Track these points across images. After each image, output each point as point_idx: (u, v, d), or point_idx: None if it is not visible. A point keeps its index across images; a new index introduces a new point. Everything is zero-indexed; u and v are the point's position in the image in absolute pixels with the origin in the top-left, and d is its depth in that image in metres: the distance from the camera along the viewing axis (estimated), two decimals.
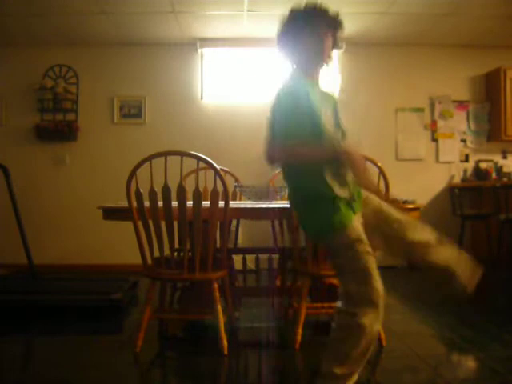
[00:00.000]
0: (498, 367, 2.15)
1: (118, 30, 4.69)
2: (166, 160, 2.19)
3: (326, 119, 1.68)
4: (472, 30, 4.69)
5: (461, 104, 5.23)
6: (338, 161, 1.63)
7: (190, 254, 2.35)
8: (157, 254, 2.34)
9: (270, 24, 4.50)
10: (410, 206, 2.50)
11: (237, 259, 3.41)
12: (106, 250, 4.90)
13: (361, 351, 1.63)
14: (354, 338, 1.63)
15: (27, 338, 2.72)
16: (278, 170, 2.38)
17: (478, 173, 5.15)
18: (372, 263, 1.72)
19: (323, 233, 1.71)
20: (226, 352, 2.28)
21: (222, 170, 2.29)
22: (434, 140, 5.23)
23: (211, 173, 2.26)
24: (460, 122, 5.23)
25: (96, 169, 5.02)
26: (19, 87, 5.01)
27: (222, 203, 2.27)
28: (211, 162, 2.20)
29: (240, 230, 3.53)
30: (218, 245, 2.70)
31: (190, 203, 2.24)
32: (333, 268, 1.79)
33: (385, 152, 5.03)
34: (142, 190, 2.23)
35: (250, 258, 3.49)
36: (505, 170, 5.16)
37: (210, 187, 2.24)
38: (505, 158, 5.24)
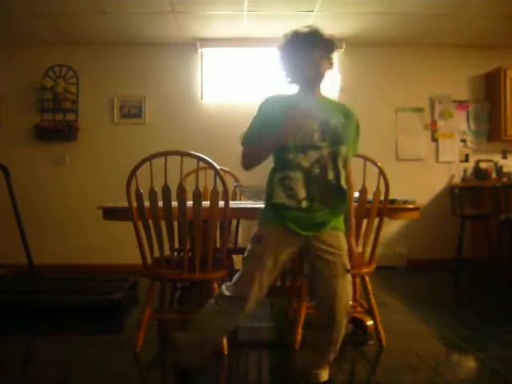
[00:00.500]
0: (498, 367, 2.15)
1: (118, 30, 4.69)
2: (166, 160, 2.19)
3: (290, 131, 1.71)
4: (472, 30, 4.69)
5: (461, 104, 5.24)
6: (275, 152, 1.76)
7: (189, 253, 2.35)
8: (157, 254, 2.34)
9: (270, 24, 4.51)
10: (410, 206, 2.50)
11: (237, 259, 3.40)
12: (106, 250, 4.90)
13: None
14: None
15: (27, 338, 2.72)
16: None
17: (478, 173, 5.15)
18: (252, 268, 1.74)
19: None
20: (225, 352, 2.28)
21: (221, 169, 2.29)
22: (434, 140, 5.23)
23: (211, 173, 2.26)
24: (460, 122, 5.23)
25: (96, 169, 5.02)
26: (19, 87, 5.01)
27: (222, 203, 2.27)
28: (211, 161, 2.19)
29: (240, 229, 3.53)
30: (218, 245, 2.70)
31: (189, 203, 2.24)
32: None
33: (385, 152, 5.03)
34: (142, 190, 2.23)
35: None
36: (505, 169, 5.16)
37: (210, 187, 2.24)
38: (505, 158, 5.24)
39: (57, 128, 4.94)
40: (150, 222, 2.29)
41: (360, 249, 2.42)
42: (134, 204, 2.26)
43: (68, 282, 3.81)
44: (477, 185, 4.94)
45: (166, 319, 2.70)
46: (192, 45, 5.00)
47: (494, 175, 5.14)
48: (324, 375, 1.80)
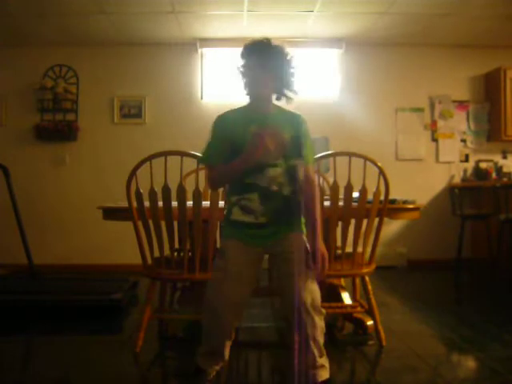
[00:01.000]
0: (498, 367, 2.15)
1: (118, 30, 4.69)
2: (165, 160, 2.19)
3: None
4: (472, 30, 4.69)
5: (461, 104, 5.24)
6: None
7: (189, 253, 2.35)
8: (157, 254, 2.34)
9: (270, 24, 4.51)
10: (410, 206, 2.50)
11: None
12: (106, 250, 4.90)
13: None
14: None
15: (27, 338, 2.72)
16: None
17: (478, 173, 5.15)
18: (220, 279, 1.79)
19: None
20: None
21: None
22: (434, 140, 5.23)
23: None
24: (460, 122, 5.24)
25: (96, 169, 5.02)
26: (19, 87, 5.01)
27: (221, 203, 2.27)
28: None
29: None
30: (218, 245, 2.70)
31: (189, 203, 2.24)
32: None
33: (385, 152, 5.03)
34: (141, 190, 2.23)
35: None
36: (505, 169, 5.16)
37: None
38: (505, 158, 5.24)
39: (57, 128, 4.94)
40: (150, 222, 2.29)
41: (360, 249, 2.42)
42: (134, 204, 2.27)
43: (68, 282, 3.81)
44: (477, 185, 4.94)
45: (166, 319, 2.70)
46: (192, 45, 5.00)
47: (493, 175, 5.14)
48: (322, 374, 1.80)
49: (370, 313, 2.51)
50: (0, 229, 4.64)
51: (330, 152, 2.35)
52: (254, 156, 1.69)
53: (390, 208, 2.42)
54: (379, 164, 2.29)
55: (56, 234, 4.97)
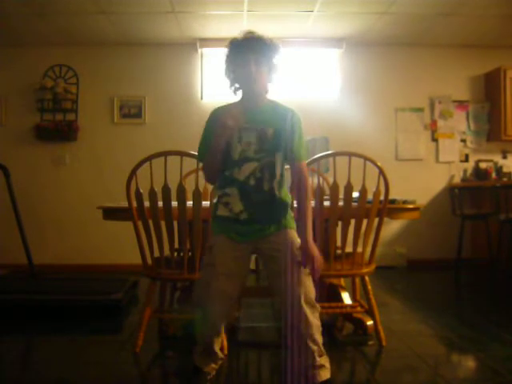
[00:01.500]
0: (498, 367, 2.15)
1: (118, 30, 4.69)
2: (165, 160, 2.19)
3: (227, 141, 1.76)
4: (472, 29, 4.69)
5: (461, 104, 5.24)
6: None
7: (189, 253, 2.35)
8: (157, 254, 2.34)
9: (269, 24, 4.51)
10: (410, 206, 2.50)
11: None
12: (106, 250, 4.90)
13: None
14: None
15: (27, 338, 2.72)
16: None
17: (478, 173, 5.15)
18: (208, 275, 1.80)
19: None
20: (226, 352, 2.28)
21: None
22: (434, 140, 5.23)
23: None
24: (460, 122, 5.24)
25: (96, 169, 5.02)
26: (19, 87, 5.01)
27: None
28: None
29: None
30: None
31: (189, 203, 2.24)
32: None
33: (385, 152, 5.03)
34: (141, 190, 2.23)
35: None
36: (505, 169, 5.16)
37: (210, 187, 2.24)
38: (505, 157, 5.24)
39: (57, 128, 4.94)
40: (150, 222, 2.29)
41: (360, 249, 2.42)
42: (134, 204, 2.27)
43: (68, 282, 3.81)
44: (477, 185, 4.94)
45: (166, 319, 2.70)
46: (192, 45, 5.00)
47: (493, 175, 5.14)
48: (323, 374, 1.79)
49: (369, 313, 2.51)
50: (0, 229, 4.64)
51: (329, 152, 2.35)
52: (222, 130, 1.73)
53: (389, 208, 2.42)
54: (379, 164, 2.29)
55: (56, 234, 4.98)
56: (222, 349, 2.02)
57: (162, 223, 2.27)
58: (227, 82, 1.86)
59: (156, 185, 2.21)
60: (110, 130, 5.07)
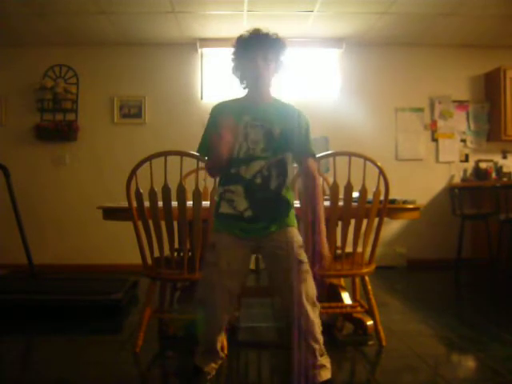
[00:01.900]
0: (498, 367, 2.15)
1: (117, 30, 4.69)
2: (165, 160, 2.19)
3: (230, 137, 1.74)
4: (472, 29, 4.69)
5: (461, 104, 5.24)
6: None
7: (189, 253, 2.35)
8: (157, 254, 2.34)
9: (269, 24, 4.48)
10: (410, 206, 2.50)
11: None
12: (106, 250, 4.90)
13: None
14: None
15: (27, 338, 2.72)
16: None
17: (478, 173, 5.15)
18: (211, 272, 1.81)
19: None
20: (225, 352, 2.28)
21: None
22: (434, 140, 5.23)
23: None
24: (460, 122, 5.24)
25: (96, 169, 5.02)
26: (19, 87, 5.01)
27: None
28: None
29: None
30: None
31: (189, 203, 2.23)
32: None
33: (385, 152, 5.03)
34: (141, 190, 2.23)
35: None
36: (505, 169, 5.16)
37: (210, 187, 2.24)
38: (505, 157, 5.24)
39: (57, 128, 4.94)
40: (150, 222, 2.29)
41: (360, 249, 2.42)
42: (134, 204, 2.27)
43: (68, 282, 3.81)
44: (477, 185, 4.94)
45: (166, 319, 2.70)
46: (192, 45, 5.00)
47: (493, 175, 5.14)
48: (323, 374, 1.79)
49: (369, 313, 2.51)
50: (0, 229, 4.64)
51: (329, 152, 2.35)
52: (219, 141, 1.72)
53: (389, 208, 2.42)
54: (379, 164, 2.29)
55: (56, 234, 4.98)
56: (222, 349, 2.02)
57: (162, 223, 2.27)
58: (236, 79, 1.86)
59: (156, 185, 2.21)
60: (109, 129, 5.07)
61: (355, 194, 2.33)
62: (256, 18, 4.39)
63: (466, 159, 5.24)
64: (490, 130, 5.21)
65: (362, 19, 4.48)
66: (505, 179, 5.04)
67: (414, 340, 2.59)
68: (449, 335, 2.67)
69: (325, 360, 1.80)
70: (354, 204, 2.34)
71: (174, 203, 2.22)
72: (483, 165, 5.19)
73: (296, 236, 1.82)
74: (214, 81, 5.07)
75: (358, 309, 2.63)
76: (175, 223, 2.27)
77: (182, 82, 5.08)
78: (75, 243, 4.94)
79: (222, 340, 1.97)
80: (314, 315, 1.76)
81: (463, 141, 5.25)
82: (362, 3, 4.12)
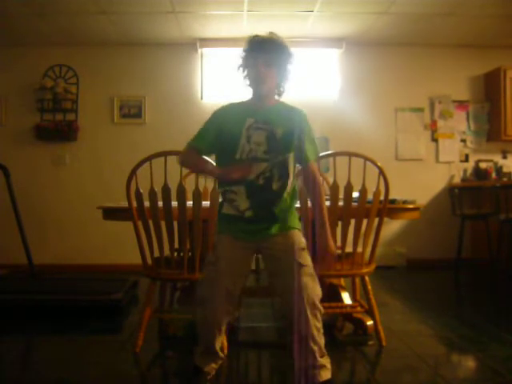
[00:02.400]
0: (498, 367, 2.15)
1: (118, 30, 4.69)
2: (165, 160, 2.19)
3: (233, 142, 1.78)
4: (472, 29, 4.69)
5: (461, 104, 5.24)
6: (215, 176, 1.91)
7: (189, 253, 2.35)
8: (157, 254, 2.34)
9: (270, 24, 4.50)
10: (410, 206, 2.50)
11: None
12: (106, 250, 4.90)
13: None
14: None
15: (27, 338, 2.72)
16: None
17: (478, 173, 5.16)
18: (211, 273, 1.82)
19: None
20: (225, 352, 2.28)
21: None
22: (434, 140, 5.23)
23: None
24: (460, 122, 5.24)
25: (96, 169, 5.02)
26: (19, 87, 5.01)
27: None
28: (211, 161, 2.19)
29: None
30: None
31: (189, 203, 2.23)
32: None
33: (385, 152, 5.03)
34: (141, 190, 2.23)
35: None
36: (505, 169, 5.16)
37: (210, 187, 2.24)
38: (505, 157, 5.24)
39: (57, 128, 4.94)
40: (150, 222, 2.29)
41: (360, 249, 2.42)
42: (134, 204, 2.27)
43: (68, 282, 3.81)
44: (477, 185, 4.94)
45: (166, 319, 2.70)
46: (192, 45, 5.00)
47: (493, 175, 5.14)
48: (323, 374, 1.79)
49: (369, 313, 2.51)
50: (0, 229, 4.64)
51: (330, 152, 2.35)
52: (226, 177, 1.78)
53: (389, 208, 2.42)
54: (379, 164, 2.29)
55: (56, 234, 4.98)
56: (222, 349, 2.03)
57: (162, 223, 2.27)
58: (241, 80, 1.88)
59: (156, 185, 2.21)
60: (110, 129, 5.07)
61: (355, 194, 2.33)
62: (256, 18, 4.40)
63: (466, 159, 5.24)
64: (490, 130, 5.21)
65: (361, 19, 4.48)
66: (505, 179, 5.04)
67: (413, 340, 2.59)
68: (449, 335, 2.67)
69: (325, 360, 1.81)
70: (354, 204, 2.34)
71: (174, 203, 2.22)
72: (483, 165, 5.19)
73: (298, 239, 1.82)
74: (214, 81, 5.07)
75: (358, 309, 2.63)
76: (175, 223, 2.27)
77: (182, 82, 5.08)
78: (75, 243, 4.94)
79: (222, 340, 1.97)
80: (314, 318, 1.76)
81: (463, 141, 5.25)
82: (362, 3, 4.12)
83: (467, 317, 3.11)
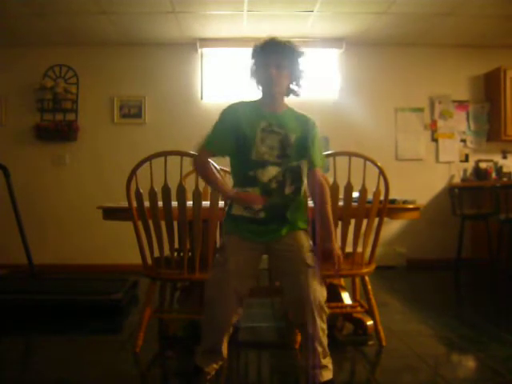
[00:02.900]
0: (498, 367, 2.15)
1: (118, 30, 4.69)
2: (165, 160, 2.19)
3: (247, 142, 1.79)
4: (472, 29, 4.69)
5: (461, 104, 5.23)
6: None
7: (189, 253, 2.35)
8: (157, 254, 2.34)
9: (269, 24, 4.51)
10: (410, 206, 2.50)
11: None
12: (106, 250, 4.90)
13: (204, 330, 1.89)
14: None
15: (27, 338, 2.72)
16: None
17: (478, 173, 5.15)
18: (219, 274, 1.82)
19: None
20: (226, 352, 2.28)
21: (222, 169, 2.28)
22: (434, 140, 5.23)
23: None
24: (460, 122, 5.23)
25: (96, 169, 5.02)
26: (19, 87, 5.01)
27: (221, 203, 2.27)
28: (211, 161, 2.19)
29: None
30: (218, 245, 2.70)
31: (189, 203, 2.23)
32: None
33: (385, 152, 5.03)
34: (141, 190, 2.23)
35: None
36: (505, 169, 5.16)
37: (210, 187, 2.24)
38: (505, 157, 5.24)
39: (57, 128, 4.94)
40: (150, 222, 2.29)
41: (360, 249, 2.42)
42: (134, 204, 2.26)
43: (68, 282, 3.81)
44: (477, 185, 4.94)
45: (166, 319, 2.70)
46: (192, 45, 5.00)
47: (493, 175, 5.14)
48: (325, 375, 1.80)
49: (369, 313, 2.51)
50: (0, 229, 4.64)
51: (330, 152, 2.35)
52: (240, 202, 1.80)
53: (389, 208, 2.42)
54: (379, 164, 2.29)
55: (56, 234, 4.97)
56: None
57: (162, 223, 2.27)
58: (251, 82, 1.89)
59: (156, 185, 2.21)
60: (110, 129, 5.07)
61: (355, 194, 2.33)
62: (256, 18, 4.40)
63: (466, 159, 5.24)
64: (490, 130, 5.21)
65: (361, 19, 4.48)
66: (505, 179, 5.04)
67: (414, 340, 2.59)
68: (449, 335, 2.67)
69: (327, 361, 1.81)
70: (354, 204, 2.34)
71: (174, 203, 2.22)
72: (483, 165, 5.19)
73: (306, 240, 1.85)
74: (214, 81, 5.07)
75: (358, 309, 2.63)
76: (175, 223, 2.27)
77: (182, 82, 5.08)
78: (75, 243, 4.94)
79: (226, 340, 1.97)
80: (320, 319, 1.78)
81: (463, 141, 5.25)
82: (362, 3, 4.12)
83: (467, 317, 3.11)
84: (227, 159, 1.92)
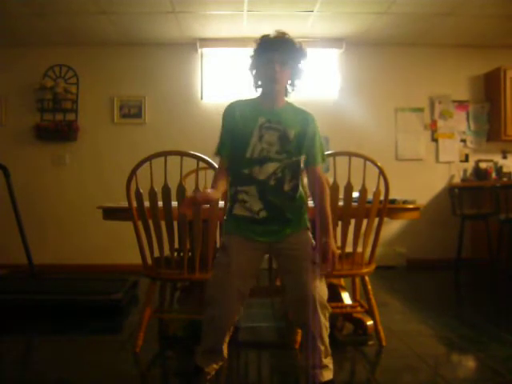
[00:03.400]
0: (498, 367, 2.15)
1: (118, 30, 4.69)
2: (165, 160, 2.19)
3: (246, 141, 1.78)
4: (472, 29, 4.69)
5: (461, 104, 5.24)
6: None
7: (189, 253, 2.35)
8: (157, 254, 2.34)
9: (269, 24, 4.51)
10: (410, 206, 2.50)
11: None
12: (106, 250, 4.90)
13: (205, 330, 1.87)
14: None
15: (27, 338, 2.72)
16: None
17: (478, 173, 5.15)
18: (221, 274, 1.80)
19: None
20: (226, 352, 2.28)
21: None
22: (434, 140, 5.23)
23: (211, 173, 2.25)
24: (460, 122, 5.23)
25: (96, 169, 5.02)
26: (19, 87, 5.01)
27: (221, 203, 2.27)
28: (211, 161, 2.19)
29: None
30: (218, 245, 2.70)
31: None
32: None
33: (385, 152, 5.03)
34: (141, 190, 2.23)
35: None
36: (505, 169, 5.16)
37: (210, 187, 2.23)
38: (505, 157, 5.24)
39: (57, 128, 4.94)
40: (150, 222, 2.29)
41: (360, 249, 2.42)
42: (134, 204, 2.26)
43: (68, 282, 3.81)
44: (477, 185, 4.94)
45: (166, 319, 2.70)
46: (192, 45, 5.00)
47: (493, 175, 5.14)
48: (325, 375, 1.80)
49: (369, 313, 2.51)
50: (0, 229, 4.64)
51: (330, 152, 2.35)
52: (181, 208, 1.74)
53: (389, 208, 2.42)
54: (379, 164, 2.29)
55: (56, 234, 4.97)
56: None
57: (162, 223, 2.27)
58: (250, 77, 1.87)
59: (156, 185, 2.21)
60: (110, 129, 5.07)
61: (355, 194, 2.33)
62: (256, 18, 4.40)
63: (466, 159, 5.24)
64: (490, 130, 5.21)
65: (361, 19, 4.48)
66: (505, 179, 5.04)
67: (414, 340, 2.59)
68: (449, 335, 2.67)
69: (328, 360, 1.81)
70: (354, 204, 2.34)
71: (174, 203, 2.22)
72: (483, 165, 5.19)
73: (309, 238, 1.85)
74: (214, 81, 5.07)
75: (358, 309, 2.63)
76: (175, 223, 2.27)
77: (182, 82, 5.08)
78: (75, 243, 4.94)
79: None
80: (324, 317, 1.78)
81: (463, 141, 5.25)
82: (362, 3, 4.12)
83: (467, 317, 3.11)
84: None
